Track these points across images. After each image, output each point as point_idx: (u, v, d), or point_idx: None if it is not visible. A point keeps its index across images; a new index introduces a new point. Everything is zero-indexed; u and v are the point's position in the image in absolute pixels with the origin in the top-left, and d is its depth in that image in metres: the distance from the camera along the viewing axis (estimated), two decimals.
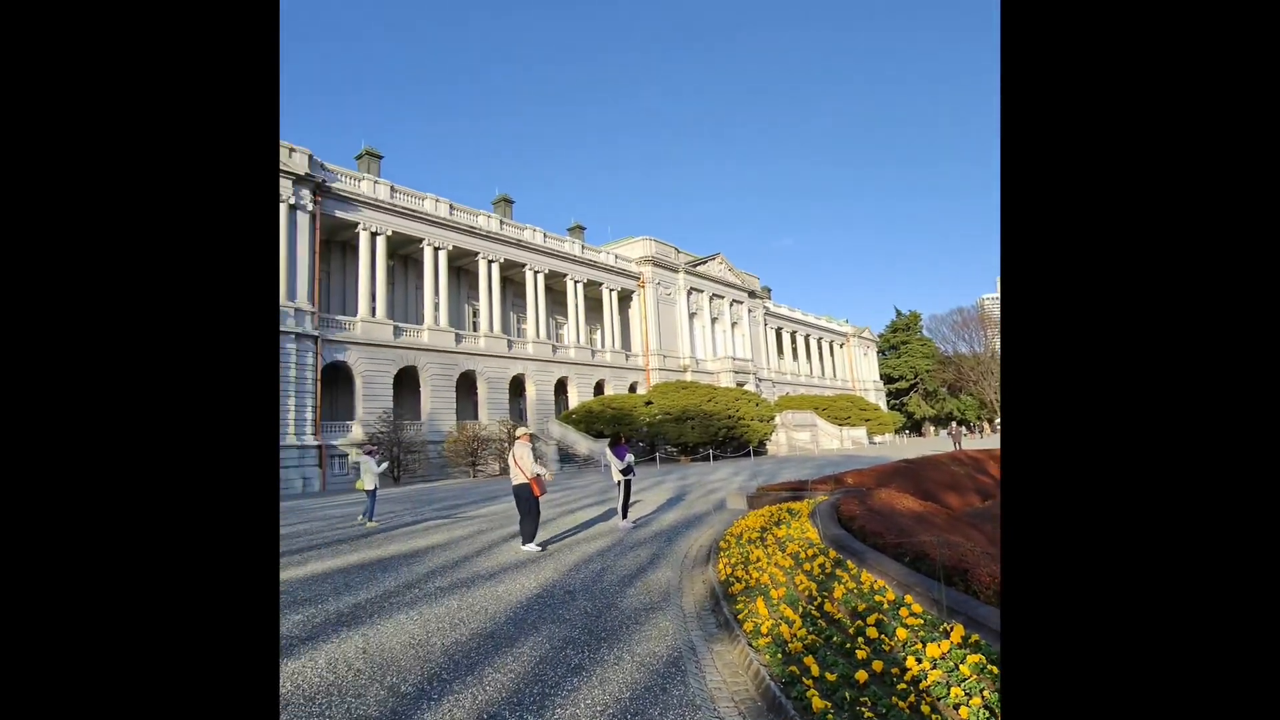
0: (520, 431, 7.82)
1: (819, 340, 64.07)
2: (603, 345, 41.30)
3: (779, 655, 3.19)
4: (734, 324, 48.96)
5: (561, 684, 3.15)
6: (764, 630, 3.50)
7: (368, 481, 11.12)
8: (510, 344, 34.32)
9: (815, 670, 2.92)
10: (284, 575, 6.39)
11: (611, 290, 41.24)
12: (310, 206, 26.20)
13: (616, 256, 42.26)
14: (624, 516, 8.85)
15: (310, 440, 24.35)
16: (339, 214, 27.67)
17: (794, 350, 61.03)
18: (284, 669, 3.52)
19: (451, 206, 32.40)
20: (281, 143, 25.30)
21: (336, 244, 30.09)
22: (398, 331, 29.35)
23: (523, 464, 7.26)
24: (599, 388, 39.05)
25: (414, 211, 30.53)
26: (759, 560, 5.28)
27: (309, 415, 24.80)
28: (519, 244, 35.46)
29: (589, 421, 30.67)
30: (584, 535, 8.19)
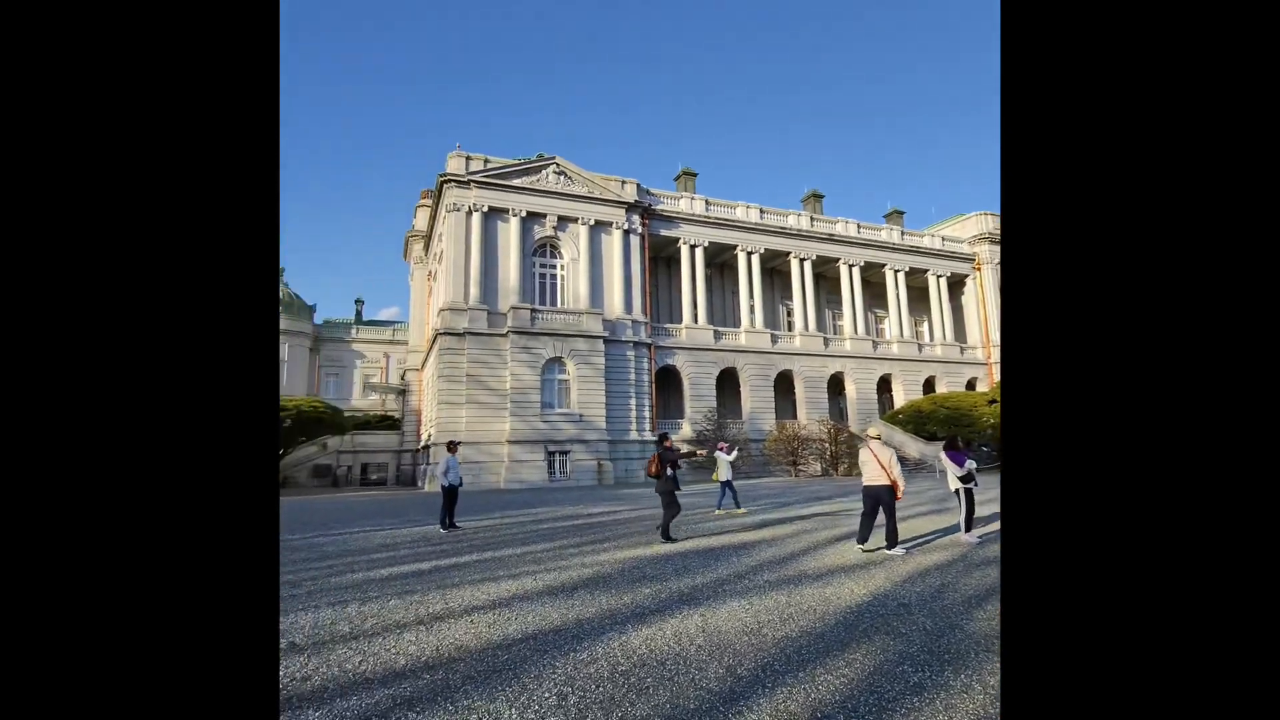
0: (873, 431, 7.67)
1: None
2: (930, 338, 37.59)
3: None
4: None
5: (899, 700, 2.94)
6: None
7: (723, 473, 12.31)
8: (826, 342, 33.64)
9: None
10: (632, 553, 7.34)
11: (939, 276, 37.29)
12: (640, 230, 29.70)
13: (944, 239, 38.06)
14: (967, 530, 7.88)
15: (649, 435, 27.50)
16: (663, 232, 30.80)
17: None
18: (639, 634, 4.03)
19: (761, 210, 33.26)
20: (613, 177, 29.30)
21: (662, 259, 33.51)
22: (717, 335, 31.26)
23: (889, 465, 7.13)
24: (928, 385, 35.63)
25: (726, 220, 32.20)
26: None
27: (646, 414, 28.06)
28: (831, 238, 34.57)
29: (918, 422, 28.18)
30: (920, 546, 7.54)
